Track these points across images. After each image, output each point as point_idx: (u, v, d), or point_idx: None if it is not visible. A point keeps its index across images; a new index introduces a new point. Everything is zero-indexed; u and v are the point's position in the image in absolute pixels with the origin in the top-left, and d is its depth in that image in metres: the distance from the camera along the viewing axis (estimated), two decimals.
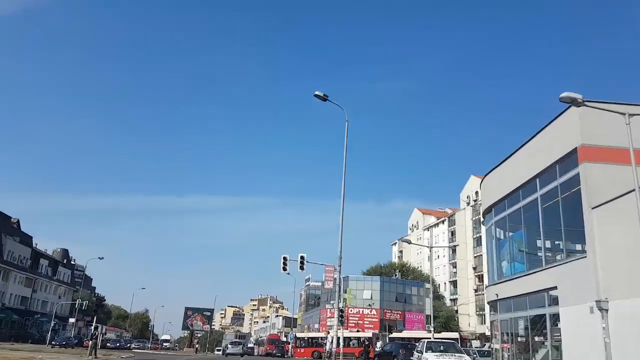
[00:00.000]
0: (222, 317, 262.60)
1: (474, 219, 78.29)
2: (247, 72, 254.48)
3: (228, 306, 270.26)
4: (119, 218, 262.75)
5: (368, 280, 69.73)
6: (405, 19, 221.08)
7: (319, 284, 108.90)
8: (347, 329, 66.96)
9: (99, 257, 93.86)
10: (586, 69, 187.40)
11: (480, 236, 75.04)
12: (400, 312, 68.01)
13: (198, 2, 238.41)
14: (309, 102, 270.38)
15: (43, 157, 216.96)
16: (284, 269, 33.11)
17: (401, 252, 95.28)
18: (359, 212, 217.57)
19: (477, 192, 79.40)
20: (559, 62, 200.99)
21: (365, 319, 67.20)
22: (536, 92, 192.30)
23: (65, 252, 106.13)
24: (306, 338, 57.26)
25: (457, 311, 72.33)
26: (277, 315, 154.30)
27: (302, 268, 31.99)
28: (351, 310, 68.56)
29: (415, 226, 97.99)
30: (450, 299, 76.35)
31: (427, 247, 67.14)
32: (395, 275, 73.11)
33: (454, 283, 79.98)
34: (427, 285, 71.74)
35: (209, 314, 76.68)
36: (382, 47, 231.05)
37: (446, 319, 69.27)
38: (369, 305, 67.62)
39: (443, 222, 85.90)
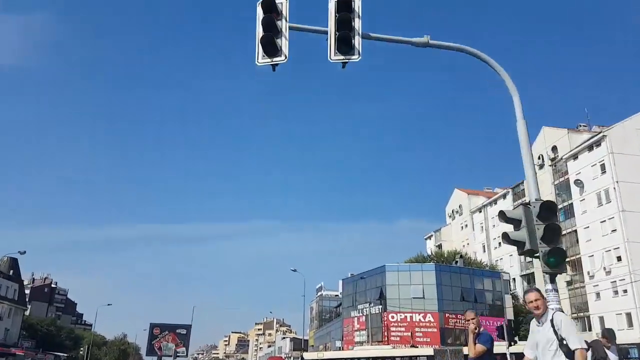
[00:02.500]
0: (226, 344, 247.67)
1: (555, 182, 54.12)
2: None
3: (232, 332, 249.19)
4: (120, 245, 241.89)
5: (417, 269, 45.60)
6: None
7: (335, 293, 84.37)
8: (387, 344, 42.52)
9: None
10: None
11: (571, 204, 50.83)
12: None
13: None
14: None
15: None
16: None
17: (439, 246, 70.92)
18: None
19: (554, 147, 55.50)
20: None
21: (418, 328, 42.63)
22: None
23: (13, 262, 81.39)
24: None
25: None
26: (283, 338, 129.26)
27: None
28: (392, 317, 44.08)
29: (457, 211, 73.87)
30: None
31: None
32: (456, 262, 48.66)
33: (529, 277, 55.45)
34: (505, 276, 47.12)
35: (184, 332, 51.56)
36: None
37: None
38: (420, 308, 43.21)
39: (505, 196, 61.72)
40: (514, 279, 57.41)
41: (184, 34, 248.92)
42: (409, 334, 42.92)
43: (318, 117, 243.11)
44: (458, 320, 43.56)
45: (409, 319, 43.61)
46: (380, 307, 45.84)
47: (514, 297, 51.00)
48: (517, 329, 46.06)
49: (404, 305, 44.15)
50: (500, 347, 33.43)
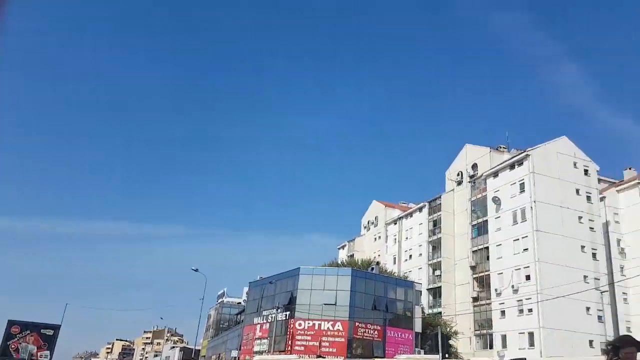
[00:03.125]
0: (108, 352, 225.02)
1: (472, 199, 53.81)
2: None
3: (117, 339, 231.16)
4: None
5: (333, 274, 42.29)
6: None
7: (239, 300, 78.79)
8: (290, 354, 38.59)
9: None
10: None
11: (486, 221, 50.50)
12: (379, 328, 40.60)
13: None
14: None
15: None
16: None
17: (351, 256, 68.53)
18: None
19: (475, 165, 55.45)
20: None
21: (325, 337, 39.10)
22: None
23: None
24: None
25: (453, 331, 46.21)
26: (172, 347, 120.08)
27: None
28: (299, 324, 40.24)
29: (373, 223, 72.18)
30: (429, 313, 50.39)
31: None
32: (372, 268, 46.04)
33: (436, 291, 54.39)
34: (417, 286, 45.26)
35: (50, 332, 43.61)
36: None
37: (442, 339, 43.11)
38: (331, 315, 39.85)
39: (421, 209, 60.74)
40: (420, 291, 55.91)
41: None
42: (316, 343, 39.23)
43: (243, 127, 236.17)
44: (367, 330, 40.66)
45: (317, 327, 39.94)
46: (287, 313, 41.79)
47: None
48: (424, 342, 44.26)
49: (313, 312, 40.47)
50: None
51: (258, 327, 45.22)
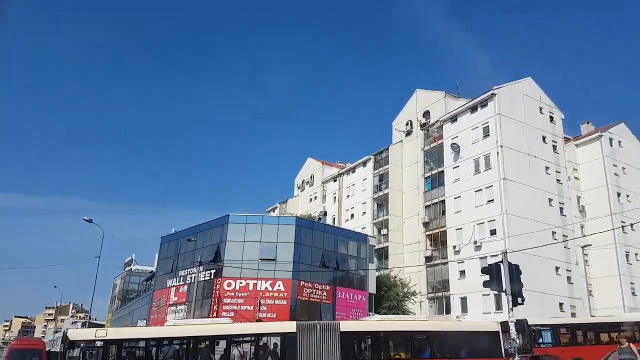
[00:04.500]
0: (6, 329, 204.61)
1: (425, 148, 46.46)
2: None
3: (15, 316, 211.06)
4: None
5: (272, 222, 33.00)
6: None
7: (151, 268, 66.92)
8: (216, 315, 29.13)
9: None
10: None
11: (442, 172, 43.43)
12: (328, 288, 31.94)
13: None
14: None
15: None
16: None
17: None
18: None
19: (427, 112, 48.08)
20: None
21: (263, 300, 29.86)
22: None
23: None
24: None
25: (412, 291, 38.74)
26: (74, 322, 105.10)
27: None
28: (228, 285, 30.72)
29: (308, 182, 63.18)
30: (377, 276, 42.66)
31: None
32: (320, 219, 37.35)
33: (382, 252, 46.81)
34: (371, 241, 37.10)
35: None
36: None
37: (398, 302, 35.77)
38: (269, 274, 30.71)
39: (365, 163, 52.60)
40: (374, 246, 47.95)
41: None
42: (250, 307, 29.80)
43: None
44: (314, 290, 31.89)
45: (251, 288, 30.45)
46: (212, 271, 31.87)
47: None
48: (379, 304, 36.41)
49: (247, 269, 30.86)
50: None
51: (173, 290, 34.92)
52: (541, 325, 24.24)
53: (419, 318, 23.82)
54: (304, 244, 32.21)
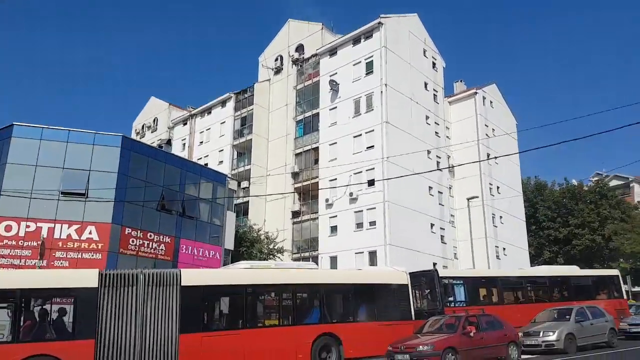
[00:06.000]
0: None
1: (298, 87, 39.17)
2: None
3: None
4: None
5: (83, 142, 21.84)
6: None
7: None
8: None
9: None
10: None
11: (317, 114, 36.81)
12: (169, 240, 22.67)
13: None
14: None
15: None
16: None
17: None
18: None
19: (301, 46, 40.70)
20: None
21: (59, 254, 19.32)
22: None
23: None
24: None
25: (278, 248, 31.22)
26: None
27: None
28: (7, 227, 19.52)
29: (150, 127, 51.42)
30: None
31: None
32: (161, 147, 27.78)
33: (242, 208, 38.69)
34: (232, 184, 28.59)
35: None
36: None
37: (262, 260, 27.92)
38: (76, 216, 20.18)
39: (224, 103, 43.34)
40: (234, 191, 39.09)
41: None
42: (40, 262, 19.14)
43: None
44: (147, 242, 22.36)
45: (45, 234, 19.66)
46: None
47: None
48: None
49: (39, 208, 20.02)
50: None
51: None
52: (453, 278, 18.30)
53: (304, 265, 16.08)
54: (135, 176, 22.27)
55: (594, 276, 22.78)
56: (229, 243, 26.23)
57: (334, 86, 36.00)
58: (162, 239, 23.07)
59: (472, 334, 13.40)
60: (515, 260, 40.24)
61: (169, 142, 36.44)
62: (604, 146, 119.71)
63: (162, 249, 22.80)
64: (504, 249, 42.09)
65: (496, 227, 42.01)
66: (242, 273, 13.17)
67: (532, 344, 15.49)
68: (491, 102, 45.40)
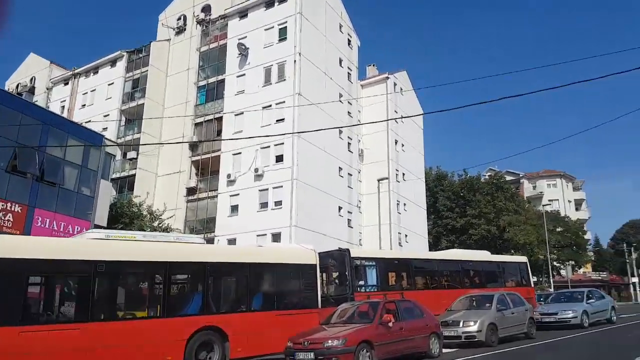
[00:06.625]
0: None
1: (203, 49, 35.00)
2: None
3: None
4: None
5: None
6: None
7: None
8: None
9: None
10: None
11: (222, 81, 33.15)
12: (19, 209, 17.76)
13: None
14: None
15: None
16: None
17: None
18: None
19: (207, 7, 36.40)
20: None
21: None
22: None
23: None
24: None
25: (165, 227, 26.92)
26: None
27: None
28: None
29: (27, 86, 43.47)
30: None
31: None
32: (21, 94, 21.35)
33: (126, 182, 33.69)
34: (110, 147, 23.91)
35: None
36: None
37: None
38: None
39: (114, 62, 37.59)
40: (113, 155, 33.75)
41: None
42: None
43: None
44: None
45: None
46: None
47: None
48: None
49: None
50: None
51: None
52: (365, 259, 15.75)
53: (185, 238, 12.45)
54: None
55: (504, 262, 21.75)
56: (102, 218, 21.58)
57: (243, 51, 32.23)
58: (11, 207, 18.01)
59: (390, 324, 10.86)
60: (416, 248, 39.64)
61: (32, 90, 30.06)
62: (500, 142, 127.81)
63: (8, 220, 17.75)
64: (406, 235, 41.40)
65: (400, 214, 41.13)
66: (91, 245, 9.34)
67: (450, 335, 13.42)
68: (402, 88, 44.39)
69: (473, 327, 13.41)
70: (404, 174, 42.95)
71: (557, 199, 71.97)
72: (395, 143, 42.59)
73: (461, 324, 13.55)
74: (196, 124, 33.71)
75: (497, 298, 14.74)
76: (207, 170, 32.29)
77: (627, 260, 61.33)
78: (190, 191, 32.29)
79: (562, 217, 55.71)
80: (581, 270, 59.53)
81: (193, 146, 33.16)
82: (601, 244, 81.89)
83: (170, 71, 36.86)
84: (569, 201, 75.86)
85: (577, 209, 73.94)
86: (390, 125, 41.25)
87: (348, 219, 33.74)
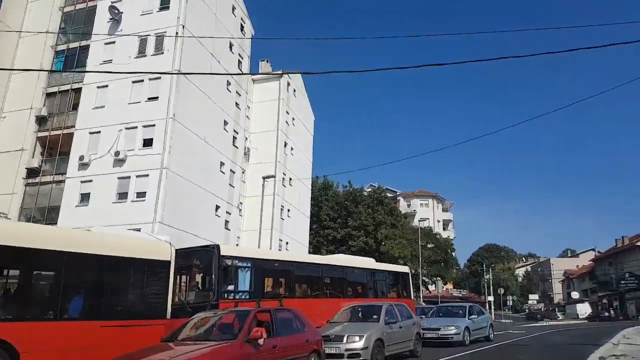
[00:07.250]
0: None
1: (66, 9, 29.64)
2: None
3: None
4: None
5: None
6: None
7: None
8: None
9: None
10: None
11: (86, 47, 28.22)
12: None
13: None
14: None
15: None
16: None
17: None
18: None
19: None
20: None
21: None
22: None
23: None
24: None
25: None
26: None
27: None
28: None
29: None
30: None
31: None
32: None
33: None
34: None
35: None
36: None
37: None
38: None
39: None
40: None
41: None
42: None
43: None
44: None
45: None
46: None
47: None
48: None
49: None
50: None
51: None
52: (239, 259, 12.68)
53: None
54: None
55: (388, 271, 20.14)
56: None
57: (116, 15, 27.46)
58: None
59: (261, 341, 7.97)
60: None
61: None
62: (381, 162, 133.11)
63: None
64: (287, 243, 38.98)
65: (283, 219, 38.63)
66: None
67: (332, 353, 10.96)
68: (295, 90, 42.36)
69: (358, 344, 11.08)
70: (290, 179, 40.65)
71: (428, 218, 75.78)
72: (285, 145, 40.21)
73: (345, 339, 11.15)
74: (48, 94, 27.87)
75: (386, 309, 12.70)
76: (55, 149, 26.68)
77: (485, 280, 66.00)
78: (32, 172, 26.35)
79: (435, 234, 57.95)
80: (445, 287, 62.45)
81: (41, 119, 27.26)
82: (459, 264, 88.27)
83: (24, 32, 30.38)
84: (438, 221, 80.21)
85: (444, 229, 78.58)
86: (280, 126, 38.84)
87: (226, 220, 30.36)
